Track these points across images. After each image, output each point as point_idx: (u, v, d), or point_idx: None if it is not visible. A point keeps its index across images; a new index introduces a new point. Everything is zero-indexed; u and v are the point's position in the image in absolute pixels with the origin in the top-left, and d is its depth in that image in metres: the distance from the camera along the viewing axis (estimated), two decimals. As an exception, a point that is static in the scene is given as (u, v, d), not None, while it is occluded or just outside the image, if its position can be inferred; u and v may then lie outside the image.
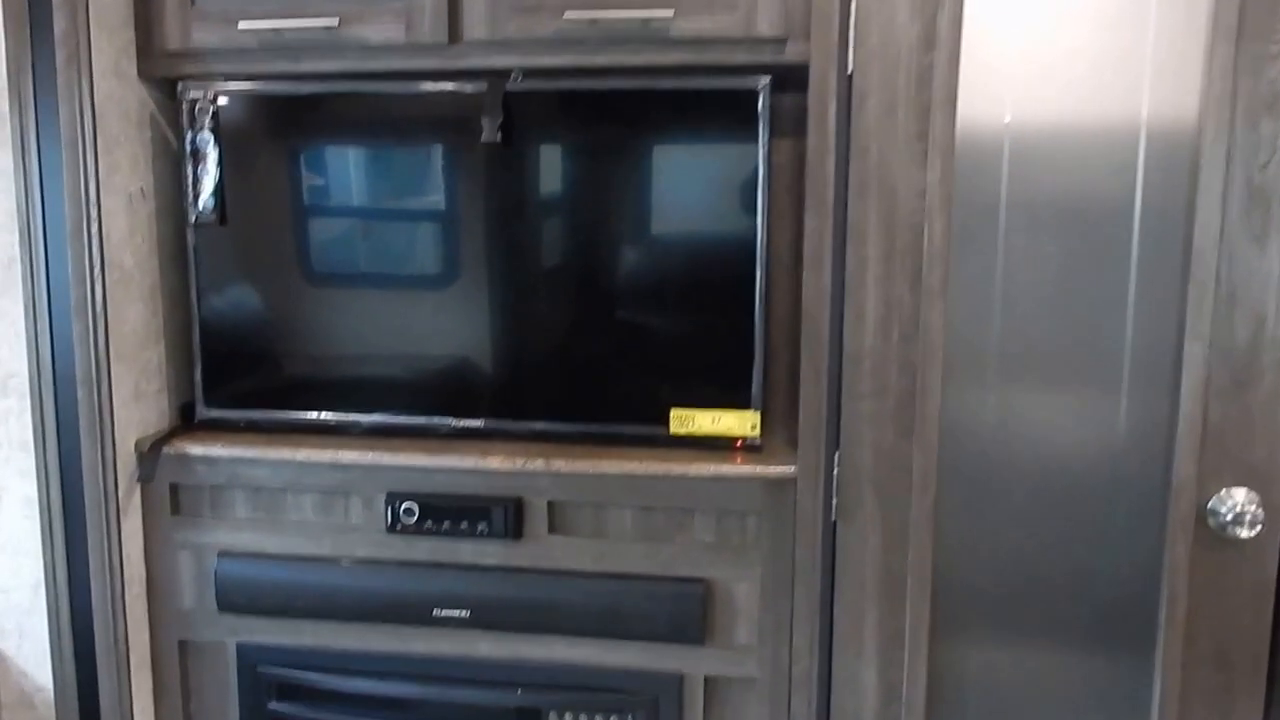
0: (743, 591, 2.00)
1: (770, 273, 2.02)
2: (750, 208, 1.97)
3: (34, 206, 1.92)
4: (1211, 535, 1.82)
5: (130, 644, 2.08)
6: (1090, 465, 1.92)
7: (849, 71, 1.81)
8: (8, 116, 1.92)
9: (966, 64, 1.80)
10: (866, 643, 1.95)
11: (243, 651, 2.11)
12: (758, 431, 2.02)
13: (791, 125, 2.00)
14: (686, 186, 2.05)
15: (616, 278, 2.07)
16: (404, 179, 2.10)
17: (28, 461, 2.02)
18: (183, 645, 2.15)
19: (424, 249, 2.10)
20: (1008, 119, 1.86)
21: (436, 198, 2.08)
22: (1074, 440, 1.92)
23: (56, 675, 2.06)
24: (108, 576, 2.02)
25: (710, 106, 1.97)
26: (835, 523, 1.92)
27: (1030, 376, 1.92)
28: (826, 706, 1.98)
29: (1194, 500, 1.81)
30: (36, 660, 2.09)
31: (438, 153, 2.07)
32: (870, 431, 1.89)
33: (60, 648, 2.05)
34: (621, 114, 2.01)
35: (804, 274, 1.88)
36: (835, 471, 1.90)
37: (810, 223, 1.86)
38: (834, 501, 1.90)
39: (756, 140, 1.94)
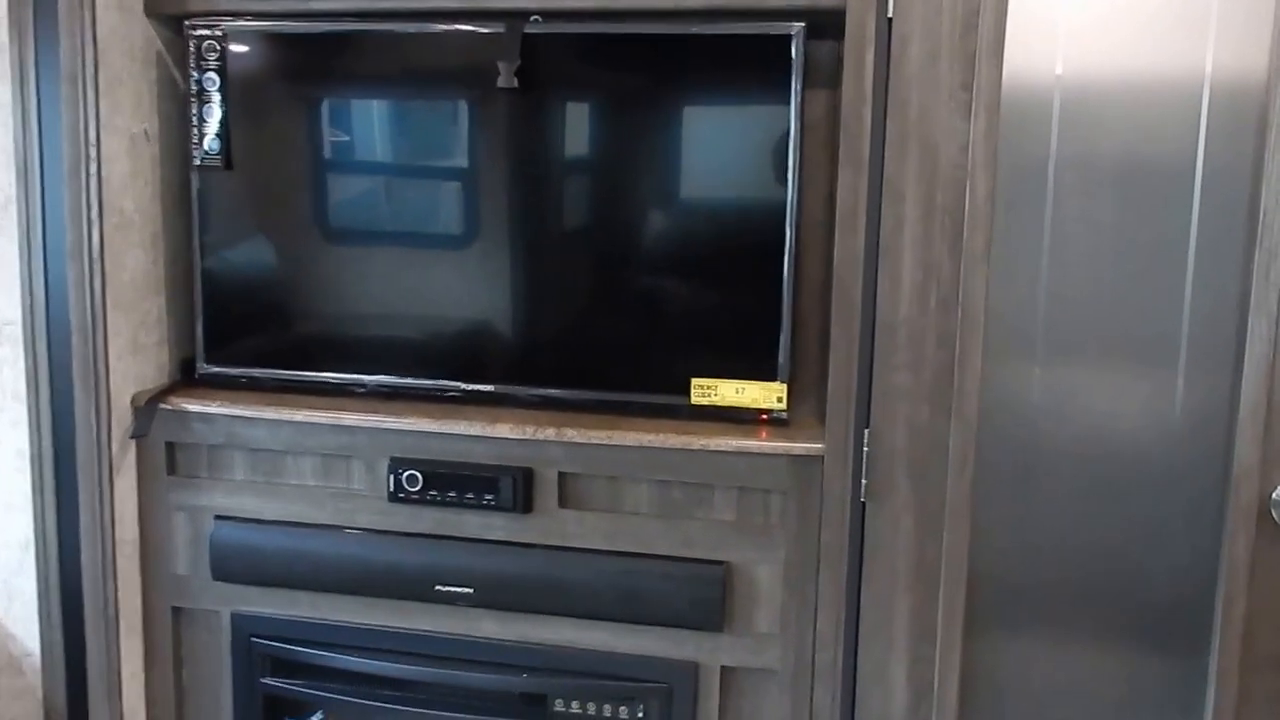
0: (764, 575, 1.89)
1: (801, 234, 1.91)
2: (781, 164, 1.87)
3: (31, 144, 1.88)
4: (1275, 529, 1.70)
5: (121, 608, 2.04)
6: (1143, 450, 1.79)
7: (889, 15, 1.71)
8: (7, 47, 1.88)
9: (1016, 9, 1.69)
10: (896, 635, 1.83)
11: (237, 622, 2.05)
12: (784, 404, 1.91)
13: (827, 75, 1.90)
14: (713, 140, 1.96)
15: (636, 237, 1.98)
16: (418, 129, 2.03)
17: (21, 412, 1.98)
18: (176, 612, 2.09)
19: (438, 204, 2.04)
20: (1059, 70, 1.74)
21: (451, 150, 2.01)
22: (1126, 422, 1.79)
23: (44, 638, 2.00)
24: (99, 535, 1.97)
25: (739, 54, 1.87)
26: (864, 504, 1.81)
27: (1079, 352, 1.80)
28: (851, 702, 1.88)
29: (1256, 490, 1.69)
30: (25, 624, 2.05)
31: (453, 100, 1.98)
32: (904, 407, 1.78)
33: (48, 609, 2.00)
34: (645, 61, 1.93)
35: (836, 235, 1.77)
36: (865, 449, 1.79)
37: (844, 179, 1.76)
38: (864, 482, 1.79)
39: (789, 91, 1.84)
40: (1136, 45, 1.72)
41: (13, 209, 1.91)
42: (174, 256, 2.08)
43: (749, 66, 1.88)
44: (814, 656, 1.87)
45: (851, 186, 1.77)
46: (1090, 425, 1.81)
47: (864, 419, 1.81)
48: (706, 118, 1.95)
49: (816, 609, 1.85)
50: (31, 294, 1.92)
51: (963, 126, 1.72)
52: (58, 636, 2.02)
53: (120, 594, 2.02)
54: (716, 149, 1.95)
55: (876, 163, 1.77)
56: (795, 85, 1.84)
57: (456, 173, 2.01)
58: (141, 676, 2.10)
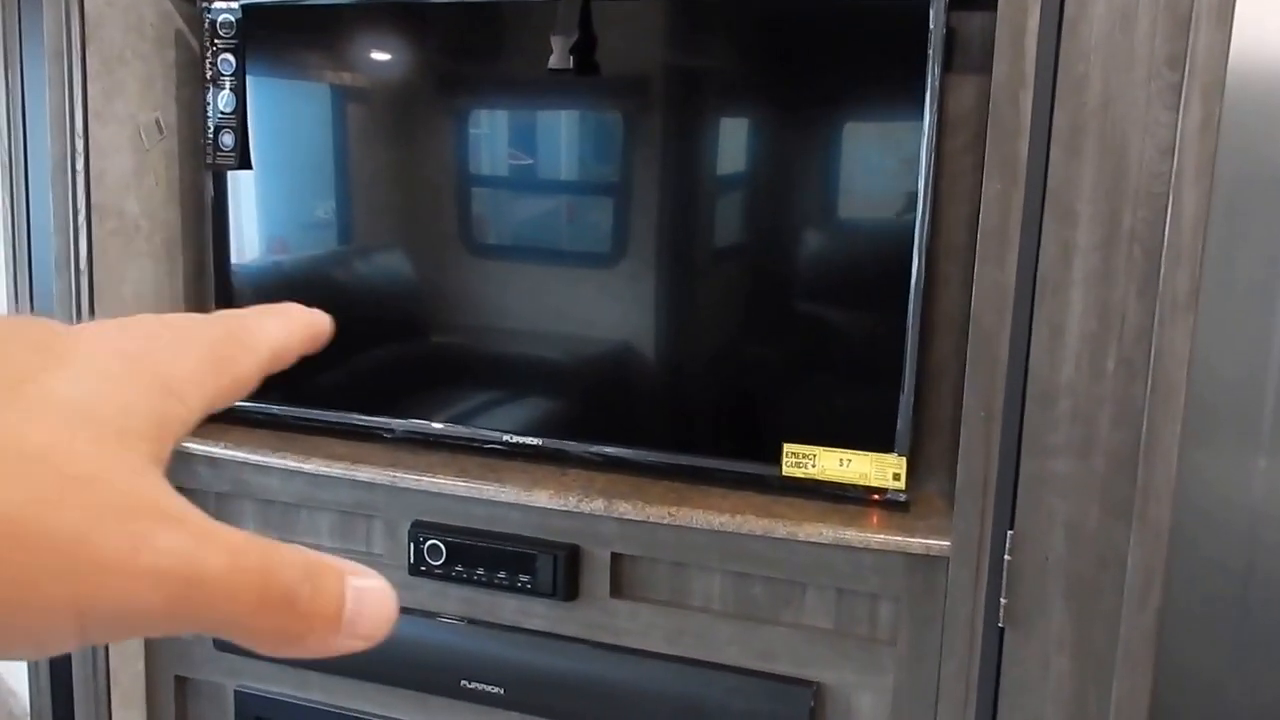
0: (866, 705, 1.34)
1: (935, 264, 1.34)
2: (909, 173, 1.29)
3: (16, 135, 1.48)
4: None
5: (118, 675, 1.61)
6: None
7: (1063, -40, 1.18)
8: None
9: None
10: None
11: (241, 700, 1.60)
12: (902, 483, 1.33)
13: (978, 58, 1.30)
14: (820, 141, 1.40)
15: (714, 263, 1.45)
16: (464, 118, 1.53)
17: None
18: (180, 682, 1.65)
19: (489, 211, 1.58)
20: (1318, 44, 1.18)
21: (494, 143, 1.52)
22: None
23: (34, 704, 1.64)
24: None
25: (858, 30, 1.31)
26: (1003, 630, 1.25)
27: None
28: None
29: None
30: (19, 682, 1.71)
31: (498, 82, 1.50)
32: (1064, 505, 1.19)
33: (36, 675, 1.63)
34: (733, 38, 1.39)
35: (976, 266, 1.24)
36: (1007, 558, 1.21)
37: (989, 190, 1.19)
38: (1003, 601, 1.21)
39: (923, 77, 1.26)
40: None
41: (1, 215, 1.52)
42: (197, 268, 1.64)
43: (871, 47, 1.32)
44: None
45: (1000, 200, 1.20)
46: None
47: (1007, 517, 1.22)
48: (814, 112, 1.37)
49: (931, 761, 1.33)
50: (17, 308, 1.51)
51: (1167, 119, 1.11)
52: (46, 703, 1.65)
53: (115, 660, 1.60)
54: (825, 151, 1.38)
55: (1038, 169, 1.19)
56: (932, 70, 1.26)
57: (491, 179, 1.51)
58: None
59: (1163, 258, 1.13)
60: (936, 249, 1.37)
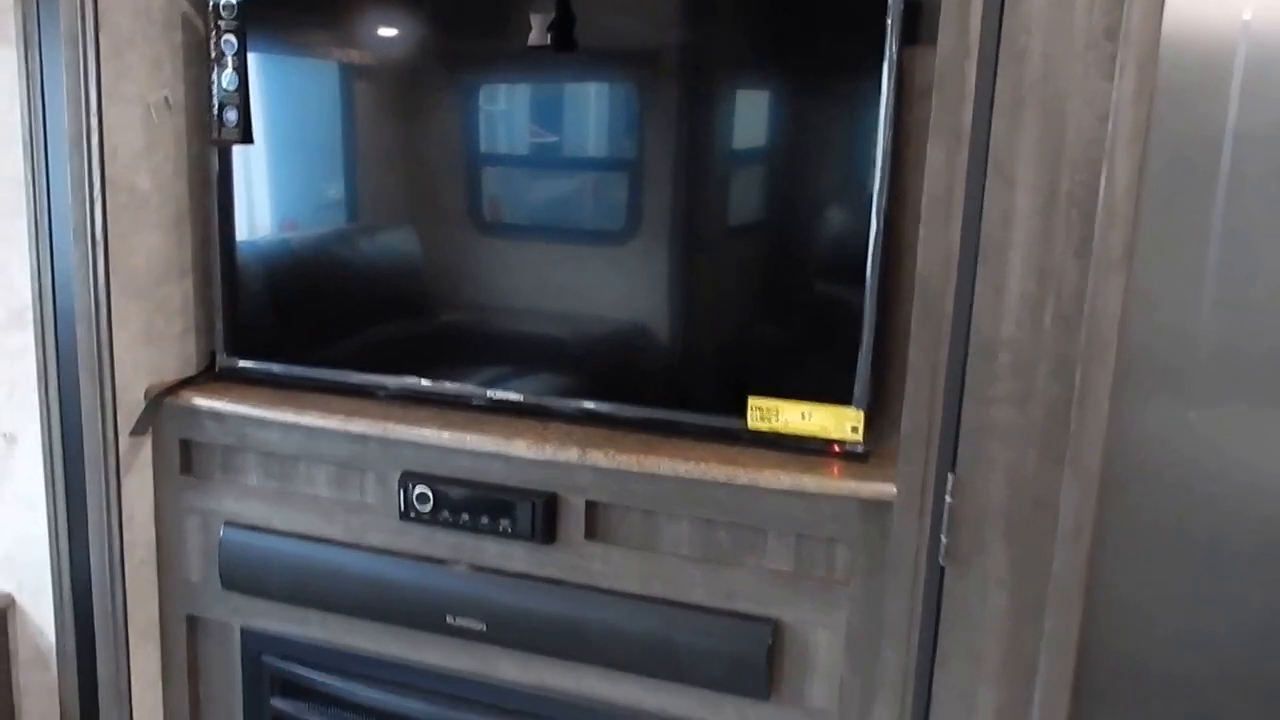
0: (822, 640, 1.35)
1: (897, 229, 1.34)
2: (868, 140, 1.30)
3: (36, 115, 1.50)
4: None
5: (134, 614, 1.63)
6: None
7: (1003, -65, 1.17)
8: (11, 8, 1.46)
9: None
10: None
11: (247, 637, 1.63)
12: (860, 435, 1.35)
13: (936, 28, 1.34)
14: (781, 107, 1.40)
15: (681, 227, 1.44)
16: (467, 93, 1.53)
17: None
18: (191, 621, 1.68)
19: (480, 182, 1.59)
20: (1248, 15, 1.16)
21: (483, 118, 1.52)
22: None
23: (59, 639, 1.65)
24: (106, 536, 1.57)
25: (821, 2, 1.32)
26: (943, 569, 1.24)
27: (1256, 390, 1.22)
28: (919, 810, 1.37)
29: None
30: (47, 621, 1.75)
31: (482, 61, 1.50)
32: (1003, 450, 1.18)
33: (62, 610, 1.65)
34: (702, 13, 1.41)
35: (922, 228, 1.24)
36: (948, 499, 1.21)
37: (934, 155, 1.19)
38: (943, 540, 1.21)
39: (881, 47, 1.27)
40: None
41: (22, 186, 1.51)
42: (204, 240, 1.65)
43: (831, 18, 1.31)
44: None
45: (945, 166, 1.18)
46: (1268, 488, 1.26)
47: (949, 461, 1.21)
48: (774, 80, 1.37)
49: (876, 691, 1.31)
50: (40, 278, 1.52)
51: (1103, 88, 1.10)
52: (70, 639, 1.62)
53: (133, 598, 1.62)
54: (786, 118, 1.39)
55: (981, 135, 1.17)
56: (890, 40, 1.27)
57: (475, 153, 1.53)
58: (159, 687, 1.70)
59: (1098, 220, 1.13)
60: (899, 215, 1.37)
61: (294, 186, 1.65)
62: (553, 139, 1.50)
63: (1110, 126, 1.12)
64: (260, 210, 1.64)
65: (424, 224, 1.57)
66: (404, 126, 1.56)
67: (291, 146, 1.61)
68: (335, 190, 1.62)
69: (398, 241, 1.61)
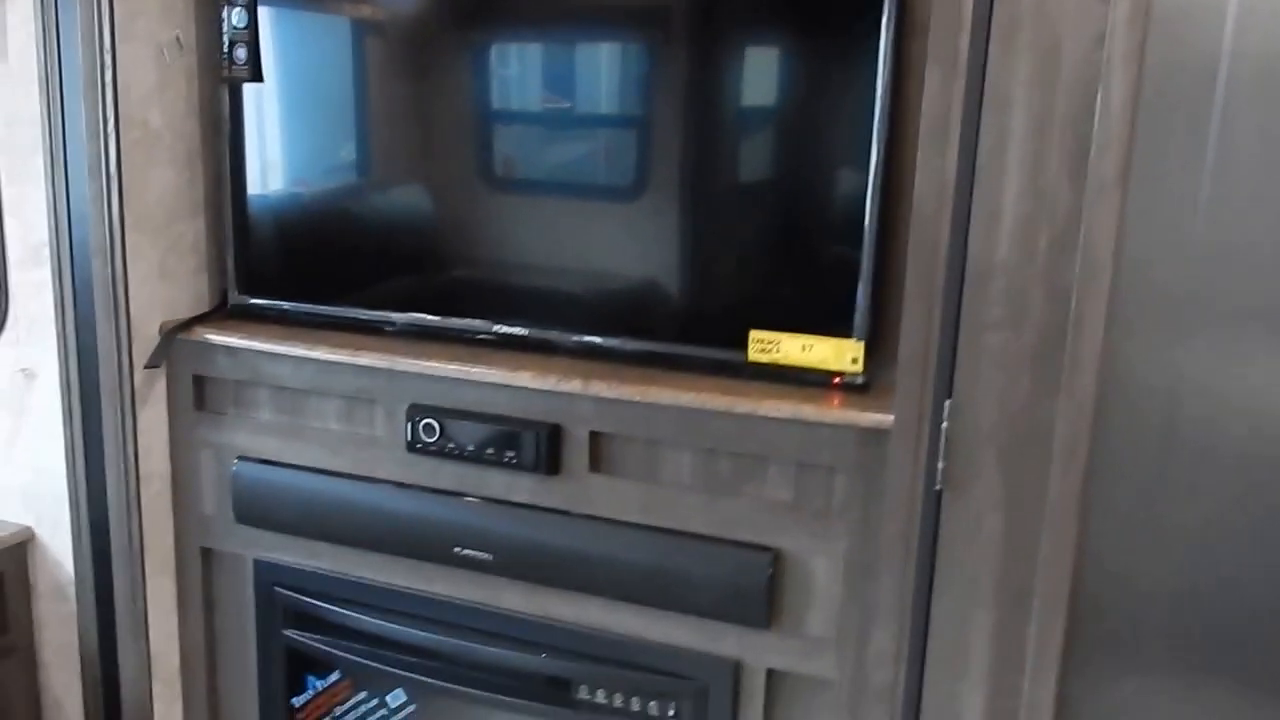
0: (821, 569, 1.39)
1: (893, 160, 1.36)
2: (868, 73, 1.33)
3: (51, 54, 1.55)
4: None
5: (150, 546, 1.70)
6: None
7: None
8: None
9: None
10: (973, 658, 1.28)
11: (260, 568, 1.69)
12: (859, 366, 1.38)
13: None
14: (782, 42, 1.43)
15: (683, 157, 1.48)
16: (471, 50, 1.56)
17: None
18: (205, 553, 1.75)
19: (488, 132, 1.62)
20: (1244, -65, 1.19)
21: (494, 74, 1.56)
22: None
23: (77, 570, 1.72)
24: (122, 469, 1.63)
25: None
26: (940, 494, 1.28)
27: (1247, 317, 1.22)
28: (915, 731, 1.41)
29: None
30: (66, 552, 1.81)
31: (493, 16, 1.58)
32: (998, 376, 1.22)
33: (80, 541, 1.72)
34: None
35: (919, 154, 1.27)
36: (944, 425, 1.24)
37: (932, 80, 1.23)
38: (940, 465, 1.24)
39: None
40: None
41: (39, 125, 1.56)
42: (216, 178, 1.69)
43: None
44: (869, 674, 1.36)
45: (941, 90, 1.20)
46: (1255, 416, 1.25)
47: (945, 388, 1.25)
48: (785, 23, 1.41)
49: (876, 617, 1.35)
50: (56, 215, 1.58)
51: (1098, 9, 1.11)
52: (89, 571, 1.69)
53: (148, 530, 1.68)
54: (785, 42, 1.42)
55: (977, 59, 1.21)
56: None
57: (478, 105, 1.55)
58: (174, 618, 1.76)
59: (1092, 142, 1.16)
60: (899, 148, 1.39)
61: (305, 134, 1.70)
62: (565, 99, 1.54)
63: (1106, 49, 1.14)
64: (271, 154, 1.69)
65: (434, 178, 1.62)
66: (414, 81, 1.60)
67: (304, 94, 1.66)
68: (346, 140, 1.66)
69: (409, 188, 1.65)
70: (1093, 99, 1.15)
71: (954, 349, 1.25)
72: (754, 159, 1.49)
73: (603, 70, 1.53)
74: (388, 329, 1.60)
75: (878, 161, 1.35)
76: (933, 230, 1.23)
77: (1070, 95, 1.16)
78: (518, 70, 1.57)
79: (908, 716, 1.33)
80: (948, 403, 1.25)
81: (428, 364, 1.50)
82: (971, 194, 1.21)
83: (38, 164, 1.59)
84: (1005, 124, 1.19)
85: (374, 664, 1.63)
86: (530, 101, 1.57)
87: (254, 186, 1.64)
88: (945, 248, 1.23)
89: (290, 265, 1.67)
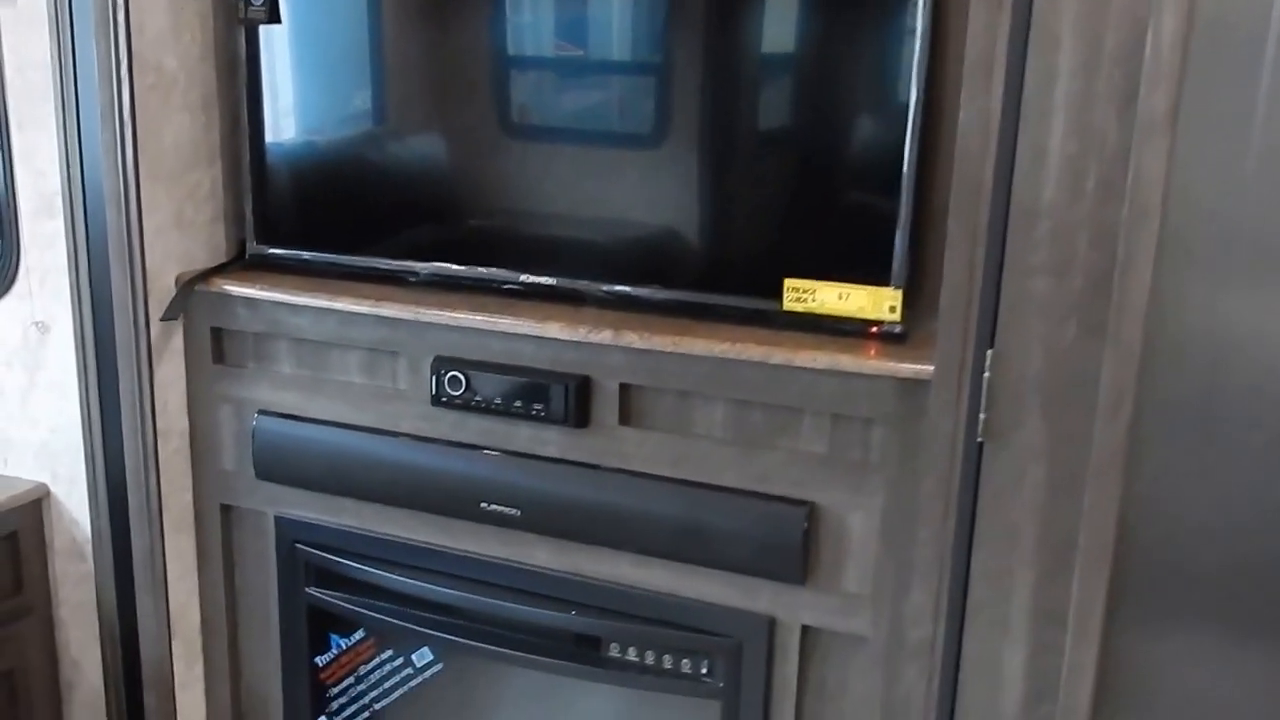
0: (858, 523, 1.39)
1: (937, 107, 1.34)
2: (907, 9, 1.30)
3: None
4: None
5: (169, 503, 1.70)
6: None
7: None
8: None
9: None
10: (1014, 615, 1.27)
11: (281, 526, 1.69)
12: (898, 315, 1.37)
13: None
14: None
15: (713, 101, 1.45)
16: None
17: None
18: (225, 510, 1.74)
19: (505, 79, 1.60)
20: None
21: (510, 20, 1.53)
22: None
23: (94, 527, 1.71)
24: (139, 424, 1.63)
25: None
26: (981, 445, 1.26)
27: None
28: (953, 688, 1.36)
29: None
30: (83, 509, 1.81)
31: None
32: (1041, 323, 1.20)
33: (96, 499, 1.70)
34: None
35: (963, 94, 1.24)
36: (986, 375, 1.22)
37: (976, 17, 1.21)
38: (982, 416, 1.22)
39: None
40: None
41: (49, 69, 1.54)
42: (232, 123, 1.67)
43: None
44: (906, 630, 1.36)
45: (985, 28, 1.18)
46: None
47: (987, 336, 1.23)
48: None
49: (914, 572, 1.34)
50: (68, 162, 1.56)
51: None
52: (105, 528, 1.69)
53: (166, 487, 1.68)
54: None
55: None
56: None
57: (501, 53, 1.53)
58: (194, 576, 1.77)
59: (1141, 81, 1.14)
60: (938, 88, 1.36)
61: (322, 79, 1.68)
62: (579, 46, 1.51)
63: (1158, -17, 1.12)
64: (287, 100, 1.67)
65: (457, 124, 1.60)
66: (437, 26, 1.58)
67: (320, 38, 1.63)
68: (363, 86, 1.64)
69: (428, 135, 1.63)
70: (1142, 34, 1.13)
71: (996, 295, 1.23)
72: (785, 101, 1.47)
73: (628, 11, 1.51)
74: (411, 279, 1.59)
75: (917, 102, 1.33)
76: (976, 171, 1.21)
77: (1119, 30, 1.14)
78: (531, 16, 1.55)
79: (945, 674, 1.33)
80: (990, 352, 1.23)
81: (453, 314, 1.49)
82: (1016, 134, 1.19)
83: (48, 110, 1.57)
84: (1052, 61, 1.16)
85: (399, 622, 1.63)
86: (547, 49, 1.55)
87: (271, 133, 1.62)
88: (989, 189, 1.21)
89: (309, 214, 1.66)
